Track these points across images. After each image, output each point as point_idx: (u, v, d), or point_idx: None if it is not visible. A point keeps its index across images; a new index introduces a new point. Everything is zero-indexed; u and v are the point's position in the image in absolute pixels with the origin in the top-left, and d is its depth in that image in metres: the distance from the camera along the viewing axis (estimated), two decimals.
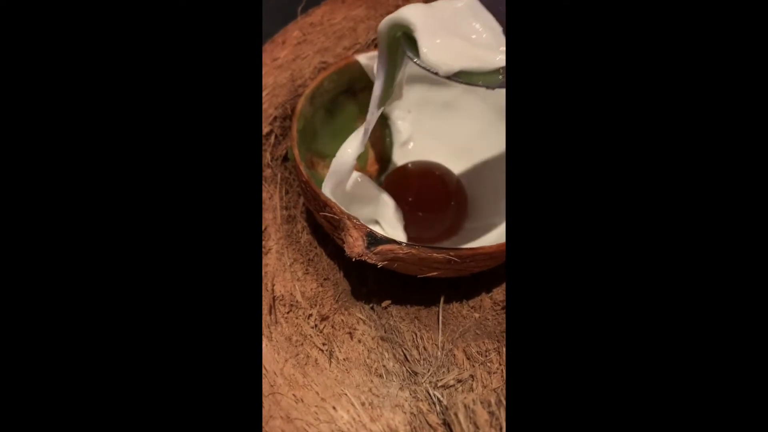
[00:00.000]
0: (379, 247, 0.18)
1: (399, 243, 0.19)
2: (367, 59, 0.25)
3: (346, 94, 0.26)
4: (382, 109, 0.21)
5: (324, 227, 0.22)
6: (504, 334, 0.20)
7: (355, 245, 0.18)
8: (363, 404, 0.17)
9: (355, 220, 0.19)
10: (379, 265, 0.19)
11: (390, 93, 0.21)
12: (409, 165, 0.26)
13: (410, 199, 0.24)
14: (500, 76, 0.18)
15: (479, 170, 0.27)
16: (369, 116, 0.21)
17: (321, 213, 0.20)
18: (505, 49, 0.18)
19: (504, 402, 0.16)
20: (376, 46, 0.26)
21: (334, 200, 0.20)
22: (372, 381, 0.19)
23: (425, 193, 0.25)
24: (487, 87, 0.18)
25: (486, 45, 0.18)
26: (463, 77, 0.18)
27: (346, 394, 0.18)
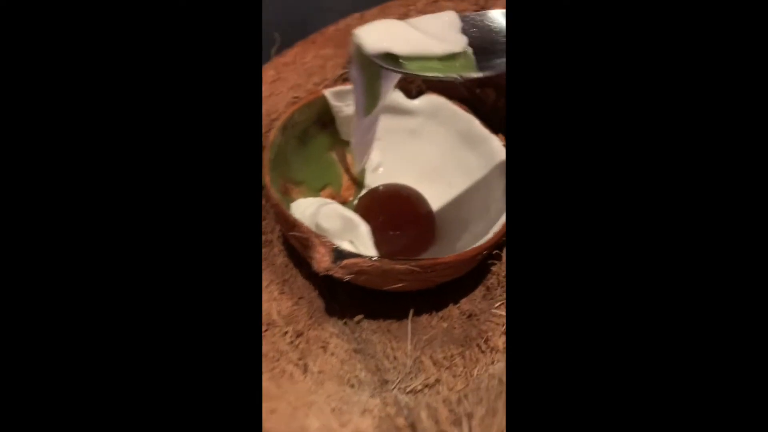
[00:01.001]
0: (345, 261, 0.20)
1: (363, 257, 0.20)
2: (332, 95, 0.27)
3: (317, 125, 0.28)
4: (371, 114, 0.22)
5: (296, 248, 0.23)
6: (467, 340, 0.21)
7: (322, 261, 0.20)
8: (333, 410, 0.18)
9: (322, 238, 0.20)
10: (346, 278, 0.20)
11: (374, 103, 0.22)
12: (380, 188, 0.28)
13: (380, 219, 0.26)
14: (452, 72, 0.18)
15: (445, 190, 0.28)
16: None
17: (290, 233, 0.21)
18: (457, 41, 0.18)
19: (464, 400, 0.17)
20: (344, 81, 0.29)
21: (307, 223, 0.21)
22: (344, 390, 0.20)
23: (394, 212, 0.27)
24: (433, 78, 0.18)
25: (435, 35, 0.18)
26: (398, 64, 0.18)
27: (317, 403, 0.19)
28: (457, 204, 0.28)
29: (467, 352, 0.20)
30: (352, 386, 0.20)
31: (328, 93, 0.27)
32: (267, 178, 0.23)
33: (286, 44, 0.31)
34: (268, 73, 0.31)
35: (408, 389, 0.20)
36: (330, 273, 0.20)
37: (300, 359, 0.22)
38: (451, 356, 0.21)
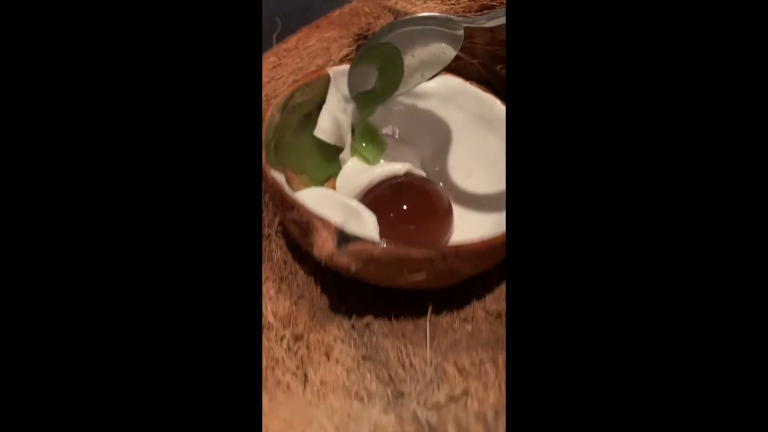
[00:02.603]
0: (351, 246, 0.16)
1: (373, 241, 0.17)
2: (336, 74, 0.24)
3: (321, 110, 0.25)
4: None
5: (294, 236, 0.20)
6: (499, 343, 0.17)
7: (324, 246, 0.16)
8: (337, 428, 0.15)
9: (324, 219, 0.17)
10: (353, 268, 0.17)
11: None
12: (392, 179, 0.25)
13: (392, 214, 0.22)
14: None
15: (464, 181, 0.25)
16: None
17: (288, 215, 0.18)
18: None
19: (503, 414, 0.13)
20: (349, 61, 0.26)
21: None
22: (351, 406, 0.17)
23: (407, 207, 0.23)
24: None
25: None
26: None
27: (317, 418, 0.15)
28: (479, 196, 0.25)
29: (500, 358, 0.17)
30: (361, 400, 0.17)
31: (332, 72, 0.24)
32: (263, 153, 0.20)
33: (289, 31, 0.29)
34: (269, 59, 0.28)
35: (428, 403, 0.16)
36: (334, 260, 0.16)
37: (299, 368, 0.18)
38: (481, 362, 0.17)
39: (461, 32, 0.20)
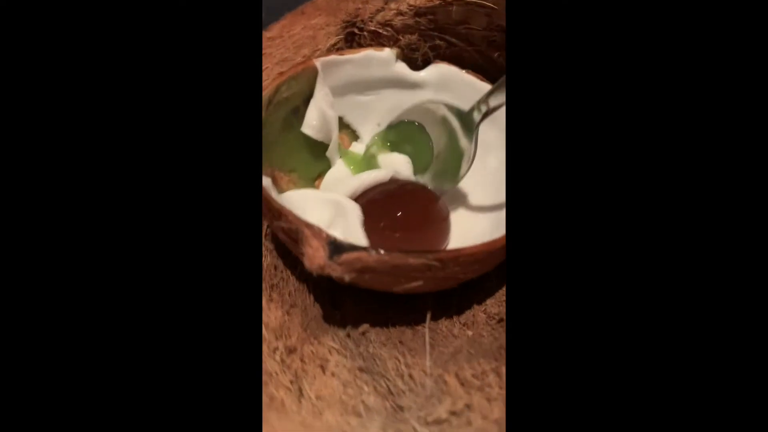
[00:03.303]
0: (344, 256, 0.15)
1: (368, 250, 0.16)
2: (323, 65, 0.23)
3: (309, 103, 0.24)
4: None
5: (286, 244, 0.19)
6: (502, 351, 0.16)
7: (315, 257, 0.15)
8: None
9: (314, 228, 0.16)
10: (346, 278, 0.16)
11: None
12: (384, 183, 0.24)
13: (382, 224, 0.21)
14: None
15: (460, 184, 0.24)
16: None
17: (276, 223, 0.17)
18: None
19: None
20: (337, 50, 0.25)
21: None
22: (349, 422, 0.16)
23: (402, 213, 0.22)
24: None
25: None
26: None
27: None
28: (477, 193, 0.24)
29: (503, 368, 0.16)
30: (359, 415, 0.16)
31: (319, 63, 0.23)
32: None
33: (273, 18, 0.28)
34: None
35: (430, 418, 0.15)
36: (326, 272, 0.15)
37: (293, 382, 0.17)
38: (483, 373, 0.16)
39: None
